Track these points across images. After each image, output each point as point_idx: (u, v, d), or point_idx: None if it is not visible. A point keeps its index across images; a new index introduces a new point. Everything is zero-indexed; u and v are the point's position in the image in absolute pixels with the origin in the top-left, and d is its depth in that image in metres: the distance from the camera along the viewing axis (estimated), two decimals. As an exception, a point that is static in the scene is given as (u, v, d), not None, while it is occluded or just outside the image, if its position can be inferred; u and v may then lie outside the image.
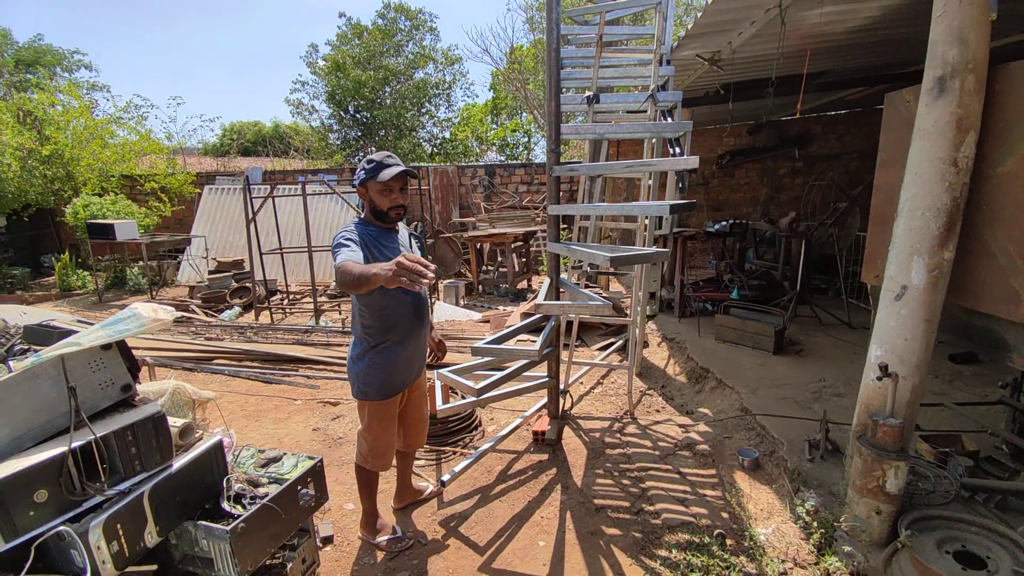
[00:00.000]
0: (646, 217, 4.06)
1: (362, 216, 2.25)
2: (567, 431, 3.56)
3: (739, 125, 9.43)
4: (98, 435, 1.41)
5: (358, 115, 16.65)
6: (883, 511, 2.12)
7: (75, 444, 1.39)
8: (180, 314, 6.65)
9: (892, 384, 2.15)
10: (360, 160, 15.91)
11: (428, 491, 2.86)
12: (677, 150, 3.43)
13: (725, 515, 2.61)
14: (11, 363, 1.61)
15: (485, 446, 3.25)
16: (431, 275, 1.56)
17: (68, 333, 1.54)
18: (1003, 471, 2.47)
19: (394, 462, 2.55)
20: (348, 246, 1.99)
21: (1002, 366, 3.73)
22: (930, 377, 3.79)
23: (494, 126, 19.38)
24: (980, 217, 2.16)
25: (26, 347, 1.65)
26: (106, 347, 1.51)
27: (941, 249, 2.11)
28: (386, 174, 2.05)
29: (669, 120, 3.61)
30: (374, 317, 2.17)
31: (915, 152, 2.16)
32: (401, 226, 2.32)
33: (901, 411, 2.21)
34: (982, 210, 2.15)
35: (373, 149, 16.42)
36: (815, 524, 2.37)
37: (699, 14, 3.74)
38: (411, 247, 2.33)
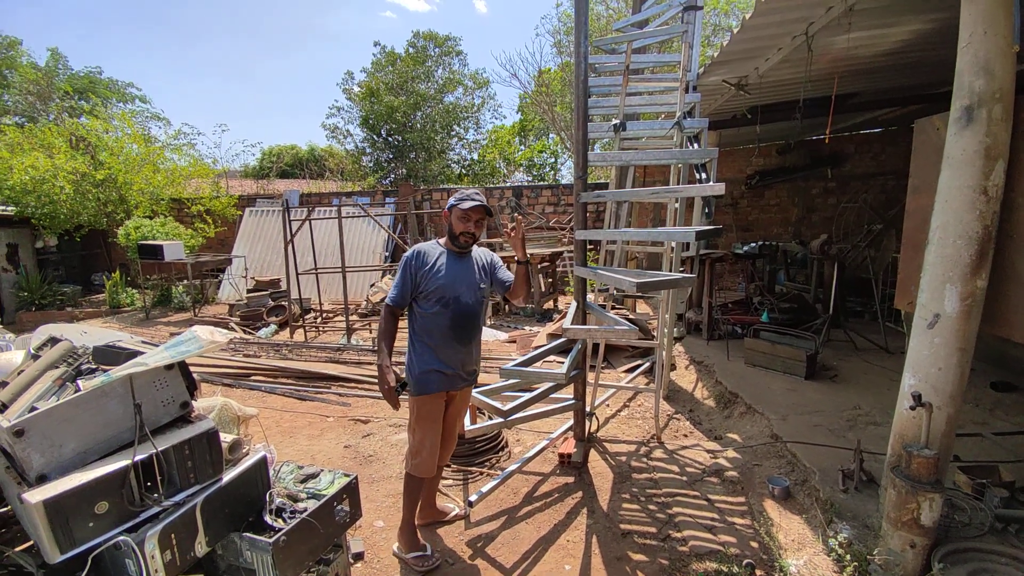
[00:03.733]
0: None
1: (439, 239, 2.58)
2: (593, 454, 3.57)
3: (769, 145, 9.36)
4: (159, 449, 1.53)
5: (390, 138, 17.18)
6: (918, 544, 2.07)
7: (138, 458, 1.51)
8: (233, 335, 6.93)
9: (926, 414, 2.12)
10: (391, 181, 16.39)
11: (452, 513, 2.88)
12: (703, 175, 3.47)
13: (754, 544, 2.58)
14: (80, 382, 1.77)
15: (512, 467, 3.29)
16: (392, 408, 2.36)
17: (135, 354, 1.68)
18: (1042, 504, 2.38)
19: None
20: (398, 283, 2.41)
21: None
22: (971, 406, 3.67)
23: (521, 147, 19.68)
24: (1012, 246, 2.14)
25: (94, 367, 1.80)
26: (168, 367, 1.64)
27: (974, 277, 2.09)
28: (465, 204, 2.40)
29: (695, 146, 3.66)
30: (416, 321, 2.47)
31: (945, 180, 2.16)
32: (481, 254, 2.59)
33: (936, 442, 2.17)
34: (1014, 238, 2.13)
35: (404, 171, 16.88)
36: (848, 557, 2.32)
37: (727, 36, 3.81)
38: (475, 274, 2.51)
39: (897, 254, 4.98)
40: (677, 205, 4.02)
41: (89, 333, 2.21)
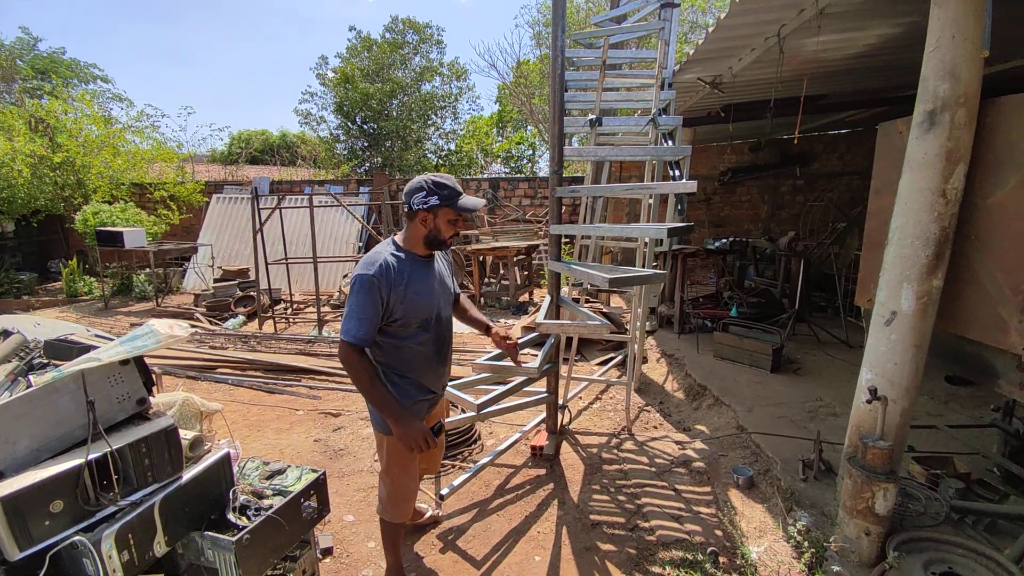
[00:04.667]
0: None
1: (398, 241, 2.00)
2: (565, 446, 3.60)
3: (741, 143, 9.54)
4: (114, 447, 1.48)
5: (365, 126, 16.84)
6: (872, 532, 2.16)
7: (92, 456, 1.46)
8: (194, 330, 6.73)
9: (882, 407, 2.20)
10: (366, 170, 16.05)
11: (427, 515, 2.79)
12: (677, 172, 3.51)
13: (719, 533, 2.65)
14: (31, 377, 1.68)
15: (484, 460, 3.29)
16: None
17: (88, 348, 1.61)
18: (993, 494, 2.51)
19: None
20: (361, 313, 1.82)
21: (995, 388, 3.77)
22: (925, 398, 3.83)
23: (499, 138, 19.55)
24: (970, 246, 2.23)
25: (46, 361, 1.72)
26: (124, 362, 1.58)
27: (930, 277, 2.17)
28: (468, 203, 1.89)
29: (670, 143, 3.69)
30: (387, 356, 1.99)
31: (905, 183, 2.23)
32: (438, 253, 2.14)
33: (891, 434, 2.26)
34: (971, 239, 2.22)
35: (379, 160, 16.57)
36: (806, 544, 2.41)
37: (703, 34, 3.85)
38: (445, 275, 2.16)
39: (859, 252, 5.15)
40: (651, 201, 4.06)
41: (43, 325, 2.10)
